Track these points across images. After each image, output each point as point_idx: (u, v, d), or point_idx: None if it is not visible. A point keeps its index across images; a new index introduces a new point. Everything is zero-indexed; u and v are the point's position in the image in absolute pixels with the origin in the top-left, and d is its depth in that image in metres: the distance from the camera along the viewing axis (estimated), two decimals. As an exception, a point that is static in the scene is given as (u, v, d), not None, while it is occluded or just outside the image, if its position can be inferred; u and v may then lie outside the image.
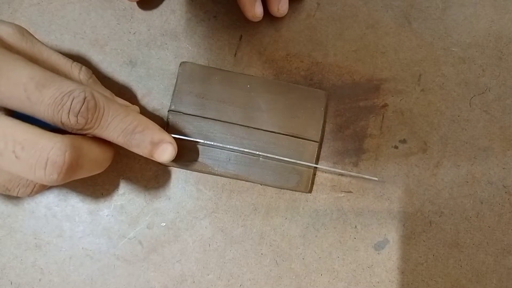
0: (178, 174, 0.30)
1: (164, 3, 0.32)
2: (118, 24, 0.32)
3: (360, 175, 0.30)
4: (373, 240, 0.30)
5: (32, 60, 0.23)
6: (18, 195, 0.24)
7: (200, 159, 0.30)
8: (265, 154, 0.29)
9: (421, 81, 0.32)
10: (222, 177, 0.30)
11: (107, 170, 0.29)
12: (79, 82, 0.24)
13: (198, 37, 0.32)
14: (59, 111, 0.22)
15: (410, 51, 0.32)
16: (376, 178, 0.30)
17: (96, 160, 0.24)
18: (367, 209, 0.30)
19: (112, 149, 0.26)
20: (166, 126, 0.30)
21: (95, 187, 0.30)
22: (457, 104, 0.31)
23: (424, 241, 0.30)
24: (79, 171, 0.23)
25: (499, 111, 0.31)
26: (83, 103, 0.22)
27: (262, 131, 0.30)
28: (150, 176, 0.30)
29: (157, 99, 0.31)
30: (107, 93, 0.28)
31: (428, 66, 0.32)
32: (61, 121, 0.22)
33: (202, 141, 0.29)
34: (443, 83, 0.32)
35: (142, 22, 0.32)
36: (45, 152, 0.21)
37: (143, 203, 0.30)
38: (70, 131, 0.23)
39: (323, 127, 0.30)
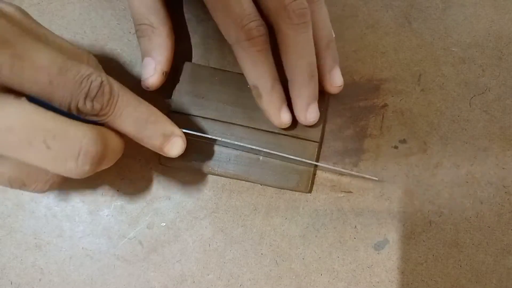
0: (178, 174, 0.30)
1: (164, 3, 0.32)
2: (118, 24, 0.32)
3: (360, 174, 0.30)
4: (373, 240, 0.30)
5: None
6: (33, 191, 0.23)
7: (200, 159, 0.30)
8: (266, 150, 0.29)
9: (421, 81, 0.32)
10: (222, 177, 0.30)
11: (107, 170, 0.29)
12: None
13: (198, 37, 0.32)
14: (77, 94, 0.21)
15: (410, 51, 0.32)
16: (376, 178, 0.30)
17: (115, 151, 0.23)
18: (367, 209, 0.30)
19: (123, 142, 0.25)
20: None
21: (95, 187, 0.30)
22: (457, 104, 0.31)
23: (424, 241, 0.30)
24: (104, 162, 0.22)
25: (499, 111, 0.31)
26: (100, 87, 0.21)
27: (262, 131, 0.30)
28: (150, 176, 0.30)
29: (157, 99, 0.31)
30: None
31: (428, 66, 0.32)
32: (77, 106, 0.21)
33: (208, 136, 0.29)
34: (443, 83, 0.32)
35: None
36: (78, 142, 0.20)
37: (143, 203, 0.30)
38: (83, 117, 0.22)
39: (323, 127, 0.30)
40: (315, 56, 0.27)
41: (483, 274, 0.29)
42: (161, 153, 0.26)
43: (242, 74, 0.30)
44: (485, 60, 0.32)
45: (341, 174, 0.30)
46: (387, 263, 0.30)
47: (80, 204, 0.30)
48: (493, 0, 0.33)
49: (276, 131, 0.30)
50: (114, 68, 0.31)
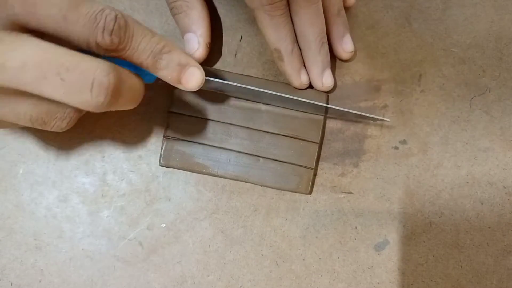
0: (178, 175, 0.30)
1: (164, 4, 0.32)
2: (118, 25, 0.32)
3: (370, 115, 0.29)
4: (374, 241, 0.30)
5: None
6: (53, 129, 0.23)
7: (200, 160, 0.30)
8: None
9: (421, 82, 0.32)
10: (222, 178, 0.30)
11: (107, 167, 0.29)
12: None
13: (198, 37, 0.32)
14: (94, 29, 0.21)
15: (410, 52, 0.32)
16: (388, 120, 0.30)
17: (132, 89, 0.23)
18: (368, 210, 0.30)
19: (143, 84, 0.25)
20: (167, 127, 0.30)
21: (95, 188, 0.30)
22: (457, 104, 0.31)
23: (424, 241, 0.30)
24: (120, 98, 0.22)
25: (499, 112, 0.31)
26: (115, 21, 0.21)
27: (262, 132, 0.30)
28: (150, 177, 0.30)
29: (157, 100, 0.31)
30: None
31: (428, 67, 0.32)
32: (96, 41, 0.21)
33: (229, 82, 0.28)
34: (443, 84, 0.32)
35: (142, 22, 0.32)
36: (91, 73, 0.20)
37: (143, 204, 0.30)
38: (103, 53, 0.22)
39: (323, 128, 0.30)
40: (325, 25, 0.29)
41: (483, 274, 0.29)
42: (179, 87, 0.25)
43: (242, 74, 0.31)
44: (485, 61, 0.32)
45: (351, 120, 0.30)
46: (387, 264, 0.30)
47: (80, 205, 0.30)
48: (493, 0, 0.33)
49: (276, 131, 0.30)
50: (114, 69, 0.31)
